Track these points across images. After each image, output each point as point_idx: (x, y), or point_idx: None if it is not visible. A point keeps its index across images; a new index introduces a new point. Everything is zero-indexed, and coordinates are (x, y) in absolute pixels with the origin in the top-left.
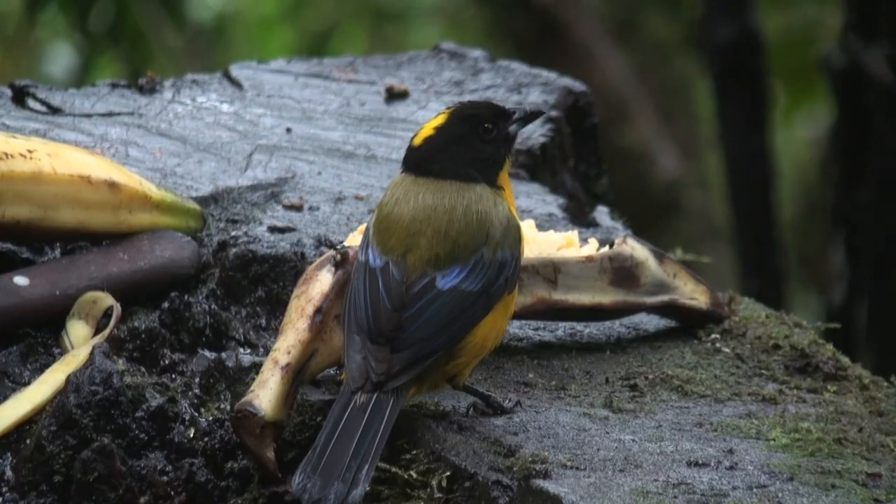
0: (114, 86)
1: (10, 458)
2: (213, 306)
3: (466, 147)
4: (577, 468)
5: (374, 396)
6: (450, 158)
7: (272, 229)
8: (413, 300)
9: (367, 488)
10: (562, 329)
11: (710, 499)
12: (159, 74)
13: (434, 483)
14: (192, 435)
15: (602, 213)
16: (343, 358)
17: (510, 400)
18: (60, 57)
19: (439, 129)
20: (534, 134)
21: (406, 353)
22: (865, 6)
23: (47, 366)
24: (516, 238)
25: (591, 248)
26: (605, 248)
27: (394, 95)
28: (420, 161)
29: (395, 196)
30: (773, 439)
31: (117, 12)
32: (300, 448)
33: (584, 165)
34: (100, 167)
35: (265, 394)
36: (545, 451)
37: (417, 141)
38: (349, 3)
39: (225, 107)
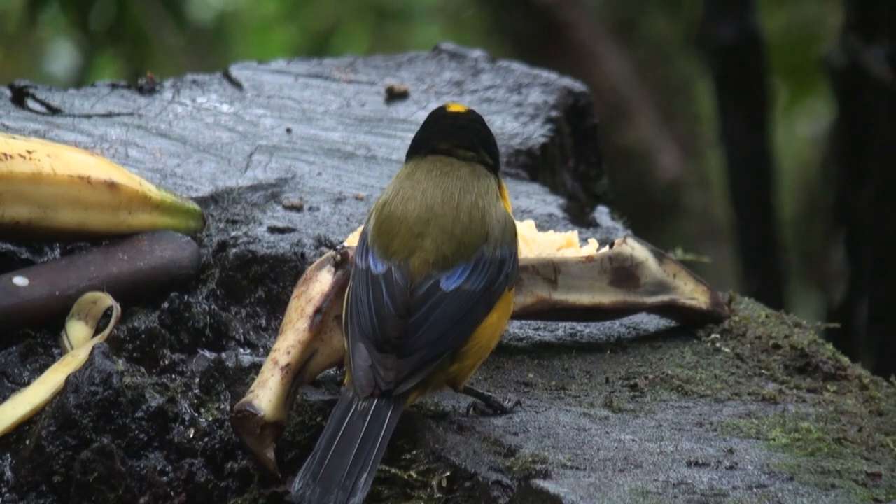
0: (113, 86)
1: (10, 459)
2: (213, 306)
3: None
4: (577, 468)
5: (375, 402)
6: (480, 132)
7: (272, 229)
8: (418, 304)
9: (367, 491)
10: (562, 329)
11: (710, 499)
12: (159, 75)
13: (434, 483)
14: (191, 435)
15: (602, 213)
16: (347, 365)
17: (510, 400)
18: (61, 56)
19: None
20: (534, 134)
21: (413, 358)
22: (866, 6)
23: (47, 366)
24: (513, 234)
25: (591, 248)
26: (605, 249)
27: (394, 96)
28: (459, 126)
29: (398, 194)
30: (773, 439)
31: (118, 11)
32: (300, 448)
33: (584, 165)
34: (99, 168)
35: (265, 394)
36: (545, 451)
37: (459, 108)
38: (350, 2)
39: (225, 107)
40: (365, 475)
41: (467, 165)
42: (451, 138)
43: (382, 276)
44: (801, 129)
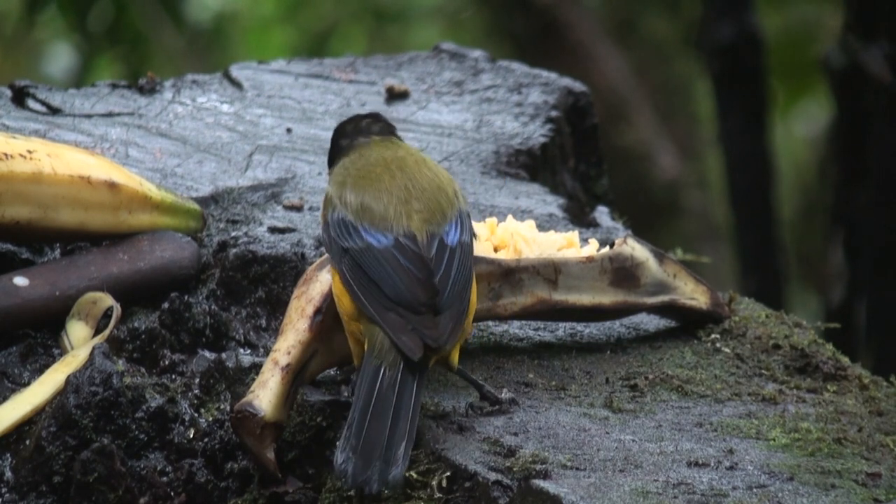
0: (114, 86)
1: (10, 459)
2: (213, 307)
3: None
4: (577, 468)
5: (401, 371)
6: (382, 121)
7: (272, 230)
8: (437, 263)
9: (408, 462)
10: (562, 329)
11: (710, 499)
12: (158, 75)
13: (434, 483)
14: (191, 435)
15: (602, 214)
16: (368, 340)
17: (505, 393)
18: (60, 57)
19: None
20: (534, 134)
21: (450, 312)
22: (865, 6)
23: (47, 366)
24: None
25: (592, 248)
26: (606, 249)
27: (394, 96)
28: (364, 118)
29: (356, 177)
30: (773, 439)
31: (116, 13)
32: (300, 448)
33: (584, 165)
34: (100, 168)
35: (265, 394)
36: (545, 451)
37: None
38: (349, 3)
39: (225, 107)
40: (403, 444)
41: (393, 143)
42: (362, 131)
43: (393, 246)
44: (799, 129)
